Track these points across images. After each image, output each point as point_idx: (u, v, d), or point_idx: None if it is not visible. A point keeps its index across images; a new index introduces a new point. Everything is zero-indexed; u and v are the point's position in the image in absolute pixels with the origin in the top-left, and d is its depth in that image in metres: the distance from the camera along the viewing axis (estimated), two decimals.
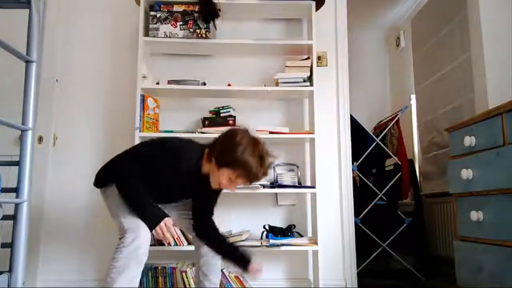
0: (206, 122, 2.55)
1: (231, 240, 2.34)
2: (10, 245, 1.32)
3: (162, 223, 1.58)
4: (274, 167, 2.67)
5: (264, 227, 2.52)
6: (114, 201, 1.68)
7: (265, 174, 1.66)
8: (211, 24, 2.55)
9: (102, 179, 1.78)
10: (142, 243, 1.57)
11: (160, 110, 2.61)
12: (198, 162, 1.68)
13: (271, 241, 2.36)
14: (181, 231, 2.36)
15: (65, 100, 2.76)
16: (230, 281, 2.35)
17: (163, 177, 1.66)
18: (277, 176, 2.59)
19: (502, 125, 1.73)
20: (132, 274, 1.54)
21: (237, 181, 1.64)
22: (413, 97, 4.09)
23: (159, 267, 2.37)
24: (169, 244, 2.22)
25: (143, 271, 1.61)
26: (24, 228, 1.34)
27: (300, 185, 2.58)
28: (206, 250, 1.86)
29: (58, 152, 2.70)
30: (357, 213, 2.91)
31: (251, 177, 1.63)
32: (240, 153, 1.59)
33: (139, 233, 1.57)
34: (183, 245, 2.36)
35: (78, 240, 2.63)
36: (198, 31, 2.54)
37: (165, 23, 2.55)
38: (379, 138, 3.37)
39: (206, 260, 1.87)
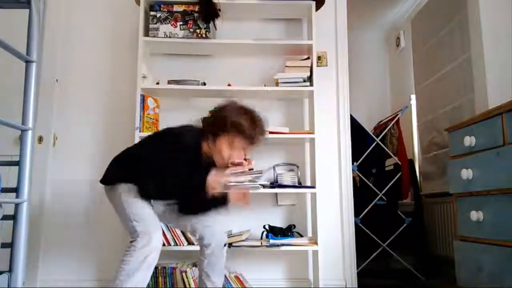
0: None
1: (231, 240, 2.34)
2: (10, 245, 1.32)
3: (211, 177, 1.60)
4: (274, 167, 2.67)
5: (264, 227, 2.52)
6: (122, 202, 1.65)
7: (261, 133, 1.72)
8: (211, 24, 2.55)
9: (112, 176, 1.75)
10: (155, 247, 1.56)
11: (160, 110, 2.61)
12: (199, 146, 1.71)
13: (271, 241, 2.36)
14: (181, 231, 2.37)
15: (65, 100, 2.76)
16: (230, 281, 2.36)
17: (175, 174, 1.65)
18: (277, 176, 2.59)
19: (502, 125, 1.73)
20: (141, 278, 1.53)
21: (237, 146, 1.69)
22: (413, 97, 4.09)
23: (159, 267, 2.36)
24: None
25: None
26: (24, 228, 1.34)
27: (300, 185, 2.58)
28: (210, 252, 1.84)
29: (58, 152, 2.70)
30: (357, 213, 2.91)
31: (247, 137, 1.68)
32: (230, 117, 1.67)
33: (151, 237, 1.56)
34: (183, 245, 2.37)
35: (78, 240, 2.63)
36: (198, 31, 2.54)
37: (165, 23, 2.55)
38: (379, 138, 3.37)
39: (210, 262, 1.85)
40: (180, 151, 1.63)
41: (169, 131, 1.77)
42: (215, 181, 1.62)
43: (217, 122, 1.71)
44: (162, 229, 2.24)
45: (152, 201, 1.74)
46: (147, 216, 1.63)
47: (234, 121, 1.67)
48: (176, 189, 1.66)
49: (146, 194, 1.68)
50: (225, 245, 1.88)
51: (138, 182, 1.67)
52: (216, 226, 1.86)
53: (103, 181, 1.77)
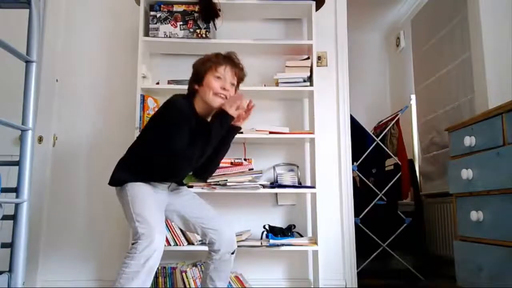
0: None
1: None
2: (10, 245, 1.32)
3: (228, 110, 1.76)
4: (274, 167, 2.67)
5: (264, 227, 2.52)
6: (128, 202, 1.66)
7: (236, 56, 1.88)
8: (211, 24, 2.55)
9: (118, 177, 1.76)
10: (156, 250, 1.55)
11: None
12: (192, 108, 1.79)
13: (271, 241, 2.36)
14: (181, 231, 2.37)
15: (65, 100, 2.76)
16: (230, 281, 2.35)
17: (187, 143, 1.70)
18: (277, 176, 2.59)
19: (502, 125, 1.73)
20: (141, 282, 1.53)
21: (221, 75, 1.80)
22: (413, 97, 4.09)
23: (159, 267, 2.36)
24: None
25: None
26: (24, 228, 1.33)
27: (300, 185, 2.58)
28: (219, 258, 1.83)
29: (58, 152, 2.70)
30: (357, 213, 2.91)
31: (224, 61, 1.81)
32: (203, 59, 1.86)
33: (153, 240, 1.55)
34: (183, 245, 2.36)
35: (78, 240, 2.63)
36: (198, 31, 2.54)
37: (165, 23, 2.55)
38: (379, 138, 3.37)
39: (217, 268, 1.85)
40: (178, 125, 1.67)
41: (160, 112, 1.81)
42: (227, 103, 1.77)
43: (194, 71, 1.87)
44: None
45: (156, 188, 1.78)
46: (151, 218, 1.62)
47: (208, 58, 1.84)
48: (184, 164, 1.73)
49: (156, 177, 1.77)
50: (233, 253, 1.87)
51: (144, 175, 1.73)
52: (226, 231, 1.85)
53: (111, 183, 1.77)
